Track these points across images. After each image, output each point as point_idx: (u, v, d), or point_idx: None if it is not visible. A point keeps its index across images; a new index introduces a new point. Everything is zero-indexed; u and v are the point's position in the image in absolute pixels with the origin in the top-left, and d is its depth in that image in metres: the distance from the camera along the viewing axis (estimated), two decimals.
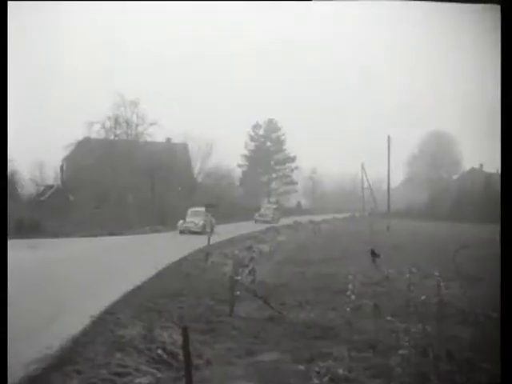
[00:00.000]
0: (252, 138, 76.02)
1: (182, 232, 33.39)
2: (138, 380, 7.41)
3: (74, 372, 7.65)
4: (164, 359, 8.66)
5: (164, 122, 46.10)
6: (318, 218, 50.52)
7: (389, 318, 9.13)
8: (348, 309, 8.86)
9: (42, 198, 40.84)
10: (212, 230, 23.02)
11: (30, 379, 7.42)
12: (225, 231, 32.32)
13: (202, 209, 30.20)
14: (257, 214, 49.09)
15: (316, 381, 7.28)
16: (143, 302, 12.33)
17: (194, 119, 65.07)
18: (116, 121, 46.61)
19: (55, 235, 28.87)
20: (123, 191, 43.17)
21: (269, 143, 75.97)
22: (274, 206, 55.09)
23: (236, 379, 7.82)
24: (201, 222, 32.26)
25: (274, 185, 76.01)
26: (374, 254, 17.43)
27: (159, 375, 7.92)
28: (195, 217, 33.64)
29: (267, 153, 74.91)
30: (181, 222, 34.20)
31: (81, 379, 7.38)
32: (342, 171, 72.89)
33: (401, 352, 7.31)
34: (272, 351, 9.07)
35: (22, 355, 8.26)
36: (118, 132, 47.34)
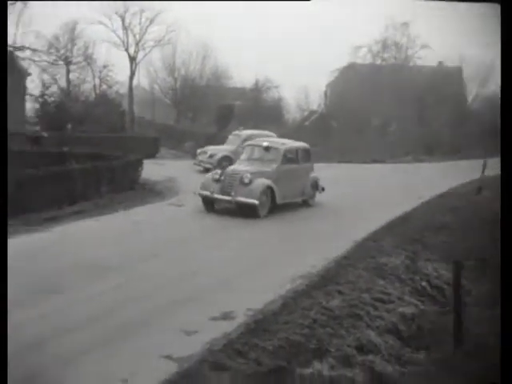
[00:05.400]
0: None
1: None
2: (401, 309, 7.51)
3: (336, 292, 8.08)
4: (428, 292, 8.62)
5: (436, 45, 43.87)
6: None
7: None
8: None
9: (306, 123, 42.94)
10: (485, 162, 20.93)
11: (295, 292, 8.07)
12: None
13: None
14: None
15: None
16: (407, 232, 12.29)
17: (470, 40, 60.41)
18: (384, 44, 45.90)
19: (316, 160, 30.21)
20: (387, 118, 42.89)
21: None
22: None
23: None
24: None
25: None
26: None
27: (422, 307, 7.91)
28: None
29: None
30: None
31: (342, 300, 7.76)
32: None
33: None
34: None
35: (289, 271, 9.03)
36: (385, 56, 46.65)
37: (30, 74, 29.73)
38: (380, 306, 7.59)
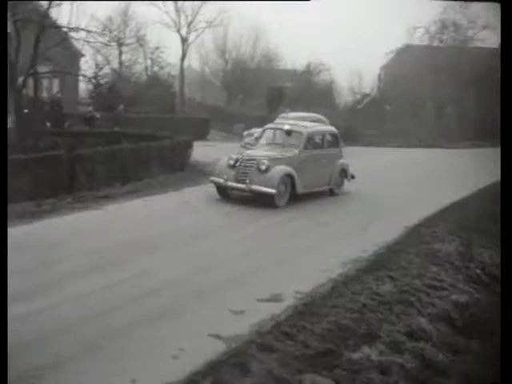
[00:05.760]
0: None
1: None
2: (454, 296, 7.39)
3: (387, 277, 8.02)
4: (483, 280, 8.45)
5: (498, 25, 42.38)
6: None
7: None
8: None
9: (359, 107, 42.42)
10: None
11: (346, 277, 8.05)
12: None
13: None
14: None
15: None
16: (461, 219, 12.04)
17: None
18: (443, 24, 44.65)
19: (369, 144, 29.89)
20: (443, 101, 41.89)
21: None
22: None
23: None
24: None
25: None
26: None
27: (477, 296, 7.76)
28: None
29: None
30: None
31: (393, 285, 7.70)
32: None
33: None
34: None
35: (339, 255, 9.00)
36: (443, 37, 45.43)
37: (83, 55, 30.32)
38: (432, 292, 7.49)
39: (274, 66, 45.80)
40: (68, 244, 8.96)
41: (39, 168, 12.33)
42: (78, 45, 26.84)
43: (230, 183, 12.79)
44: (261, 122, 28.03)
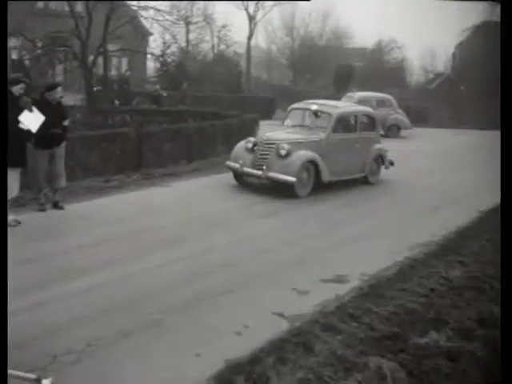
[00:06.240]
0: None
1: None
2: None
3: (458, 263, 7.85)
4: None
5: None
6: None
7: None
8: None
9: (431, 87, 41.36)
10: None
11: (413, 260, 7.95)
12: None
13: None
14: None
15: None
16: None
17: None
18: None
19: (440, 125, 29.11)
20: None
21: None
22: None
23: None
24: None
25: None
26: None
27: None
28: None
29: None
30: None
31: (464, 271, 7.53)
32: None
33: None
34: None
35: (405, 240, 8.86)
36: None
37: (151, 34, 30.81)
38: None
39: (344, 44, 45.19)
40: (135, 219, 9.22)
41: (107, 144, 12.68)
42: (146, 23, 27.33)
43: (245, 169, 11.67)
44: None
